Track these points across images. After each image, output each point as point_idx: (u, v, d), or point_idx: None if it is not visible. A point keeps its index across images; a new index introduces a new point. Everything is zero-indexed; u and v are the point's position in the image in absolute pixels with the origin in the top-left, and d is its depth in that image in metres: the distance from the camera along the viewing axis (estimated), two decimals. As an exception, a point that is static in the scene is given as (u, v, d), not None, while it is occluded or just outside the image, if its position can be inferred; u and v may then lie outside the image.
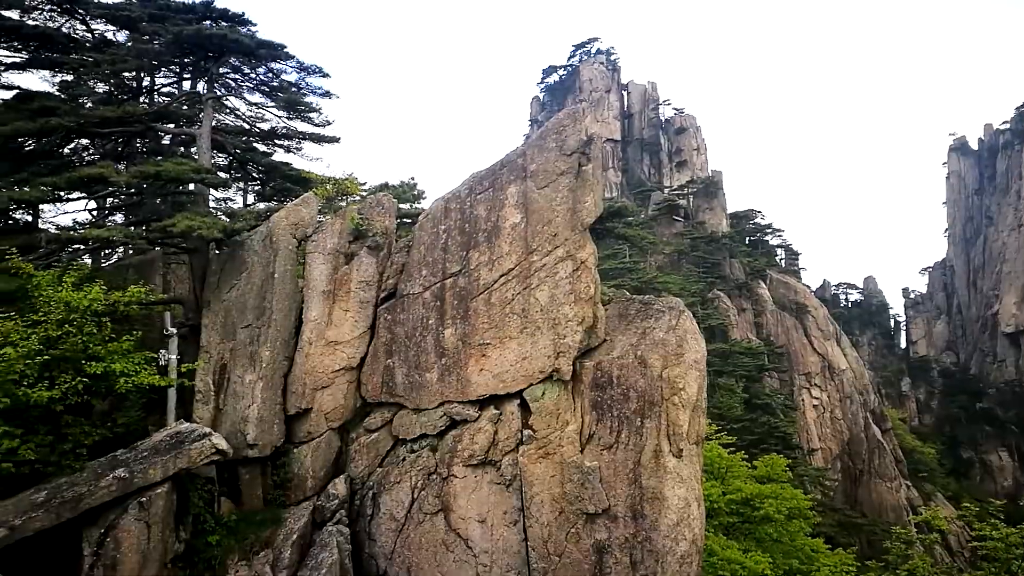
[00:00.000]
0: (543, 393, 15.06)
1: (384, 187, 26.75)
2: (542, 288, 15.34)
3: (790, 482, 30.17)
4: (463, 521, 15.41)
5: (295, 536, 15.62)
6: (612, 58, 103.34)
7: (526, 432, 15.11)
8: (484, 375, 15.78)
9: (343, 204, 22.81)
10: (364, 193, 25.59)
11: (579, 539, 14.15)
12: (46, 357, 14.93)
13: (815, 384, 68.75)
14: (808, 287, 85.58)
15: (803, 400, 67.29)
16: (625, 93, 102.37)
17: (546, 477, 14.65)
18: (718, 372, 56.13)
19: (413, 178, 28.75)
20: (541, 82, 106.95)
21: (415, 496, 16.06)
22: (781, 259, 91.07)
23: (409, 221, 24.31)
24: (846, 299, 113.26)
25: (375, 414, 17.40)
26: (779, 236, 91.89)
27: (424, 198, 29.28)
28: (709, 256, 76.05)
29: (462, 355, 16.15)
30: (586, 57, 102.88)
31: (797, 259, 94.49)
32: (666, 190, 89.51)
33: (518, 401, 15.47)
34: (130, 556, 13.84)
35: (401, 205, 23.17)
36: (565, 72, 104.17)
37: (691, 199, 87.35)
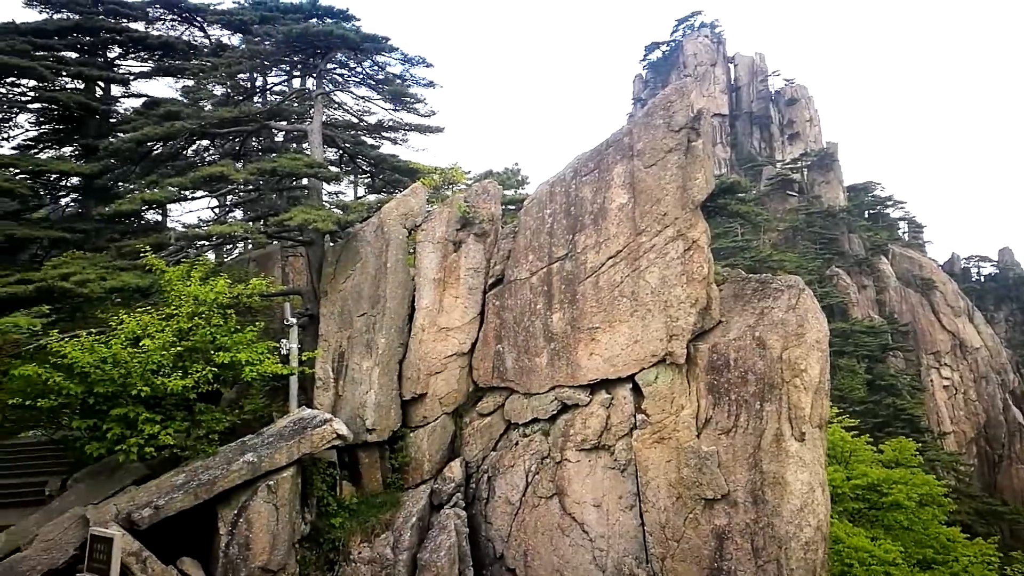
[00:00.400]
0: (656, 377, 14.74)
1: (488, 174, 26.91)
2: (652, 270, 14.99)
3: (920, 467, 28.56)
4: (578, 505, 15.34)
5: (414, 519, 15.98)
6: (716, 31, 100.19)
7: (639, 417, 14.85)
8: (594, 359, 15.61)
9: (449, 193, 23.10)
10: (469, 181, 25.81)
11: (698, 525, 13.81)
12: (179, 348, 15.84)
13: (945, 364, 64.88)
14: (934, 261, 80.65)
15: (932, 381, 63.65)
16: (731, 66, 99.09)
17: (661, 462, 14.37)
18: (838, 352, 53.78)
19: (517, 164, 28.79)
20: (643, 59, 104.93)
21: (529, 480, 16.10)
22: (904, 233, 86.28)
23: (514, 207, 24.35)
24: (978, 273, 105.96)
25: (487, 398, 17.56)
26: (901, 208, 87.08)
27: (528, 183, 29.31)
28: (826, 231, 72.83)
29: (571, 339, 16.03)
30: (689, 31, 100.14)
31: (921, 232, 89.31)
32: (778, 164, 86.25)
33: (630, 385, 15.22)
34: (261, 536, 14.51)
35: (506, 191, 23.26)
36: (668, 48, 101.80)
37: (805, 172, 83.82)
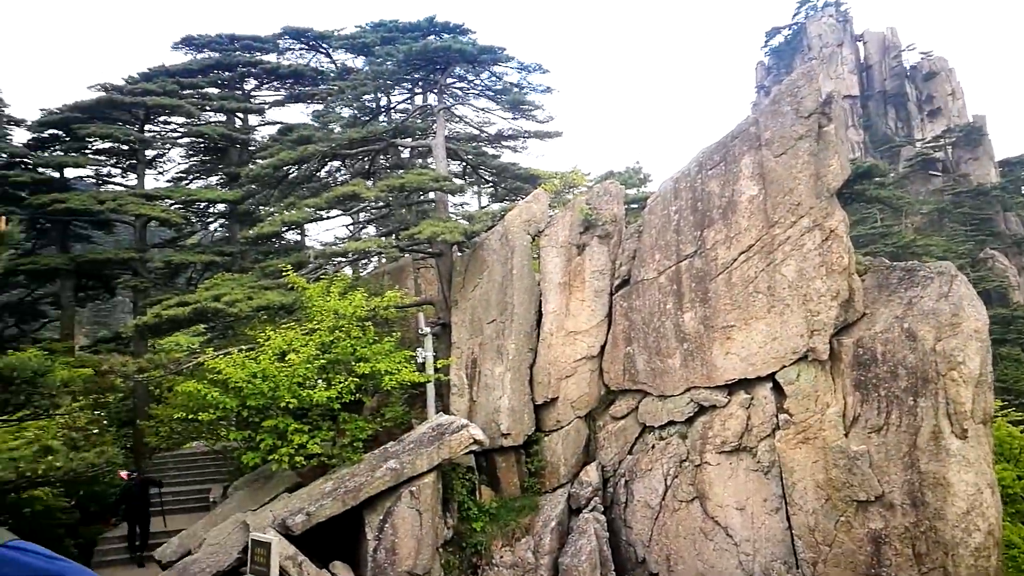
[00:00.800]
0: (798, 375, 14.12)
1: (609, 175, 26.71)
2: (788, 262, 14.39)
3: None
4: (720, 509, 14.91)
5: (553, 523, 16.02)
6: (842, 8, 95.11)
7: (782, 416, 14.27)
8: (730, 359, 15.14)
9: (571, 196, 23.08)
10: (590, 183, 25.70)
11: (851, 528, 13.11)
12: (322, 361, 16.63)
13: None
14: (1107, 236, 73.04)
15: (1111, 367, 57.62)
16: (860, 44, 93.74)
17: (808, 463, 13.73)
18: (999, 341, 49.59)
19: (638, 162, 28.50)
20: (764, 45, 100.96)
21: (668, 483, 15.81)
22: (1069, 207, 78.68)
23: (637, 206, 24.04)
24: None
25: (620, 401, 17.38)
26: (1065, 181, 79.46)
27: (650, 181, 28.89)
28: (977, 212, 67.51)
29: (704, 339, 15.62)
30: (812, 12, 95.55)
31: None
32: (918, 143, 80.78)
33: (770, 384, 14.66)
34: (406, 541, 14.96)
35: (628, 190, 22.97)
36: (790, 32, 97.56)
37: (949, 150, 78.12)
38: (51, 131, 28.73)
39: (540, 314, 18.49)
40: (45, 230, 29.20)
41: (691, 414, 15.78)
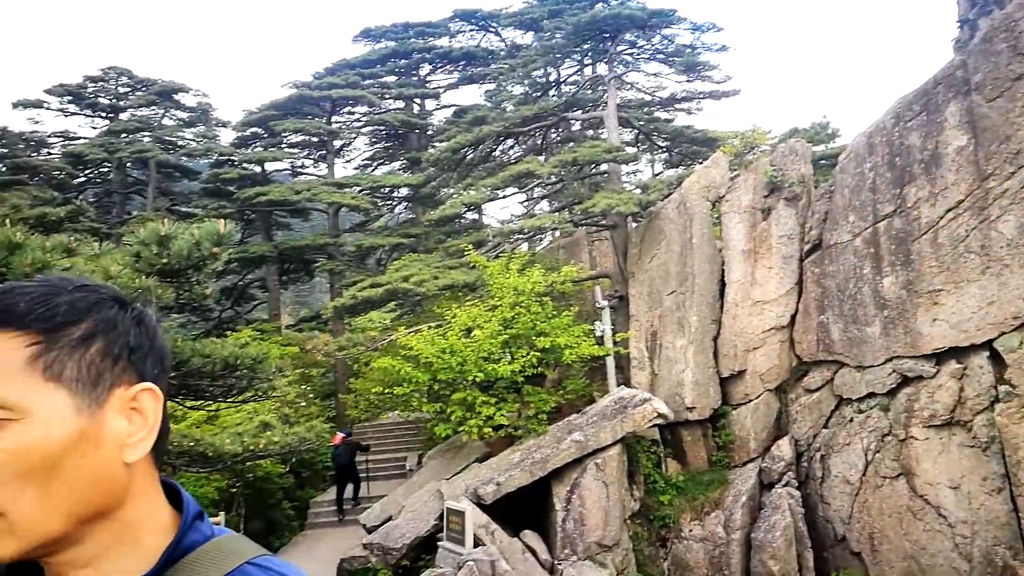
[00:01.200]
0: (1020, 343, 12.72)
1: (793, 133, 25.19)
2: (1006, 219, 12.94)
3: None
4: (930, 487, 13.82)
5: (744, 497, 15.59)
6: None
7: (1002, 388, 12.94)
8: (938, 326, 13.90)
9: (752, 158, 22.06)
10: (772, 142, 24.42)
11: (1089, 513, 11.73)
12: (505, 336, 17.07)
13: None
14: None
15: None
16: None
17: (1034, 439, 12.40)
18: None
19: (824, 117, 26.66)
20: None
21: (869, 459, 14.86)
22: None
23: (826, 163, 22.55)
24: None
25: (813, 373, 16.52)
26: None
27: (839, 137, 26.93)
28: None
29: (907, 305, 14.44)
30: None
31: None
32: None
33: (987, 353, 13.32)
34: (594, 512, 15.12)
35: (815, 148, 21.57)
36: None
37: None
38: (252, 129, 31.39)
39: (723, 284, 17.89)
40: (251, 220, 32.06)
41: (893, 385, 14.69)
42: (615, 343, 18.58)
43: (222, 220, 7.12)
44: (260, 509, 19.29)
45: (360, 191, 29.52)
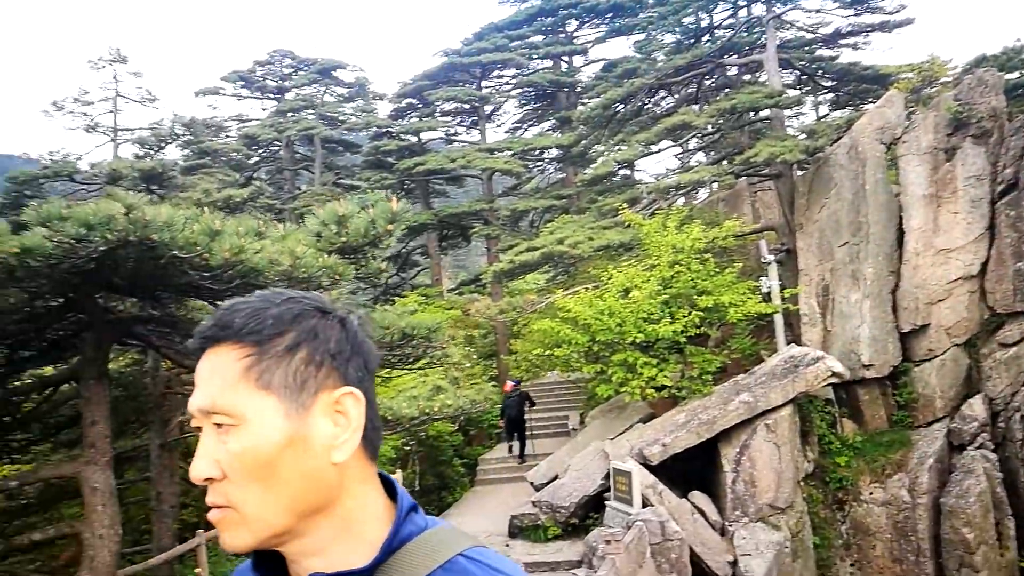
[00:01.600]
0: None
1: (981, 61, 22.64)
2: None
3: None
4: None
5: (930, 460, 14.58)
6: None
7: None
8: None
9: (931, 93, 20.13)
10: (955, 74, 22.15)
11: None
12: (665, 296, 16.72)
13: None
14: None
15: None
16: None
17: None
18: None
19: (1018, 40, 23.67)
20: None
21: (1080, 420, 13.45)
22: None
23: (1022, 93, 20.23)
24: None
25: (1009, 326, 15.07)
26: None
27: (1039, 60, 23.96)
28: None
29: None
30: None
31: None
32: None
33: None
34: (765, 473, 14.67)
35: (1007, 77, 19.32)
36: None
37: None
38: (407, 100, 32.33)
39: (901, 232, 16.60)
40: (411, 190, 33.16)
41: (1109, 338, 13.16)
42: (783, 299, 17.75)
43: (394, 198, 7.41)
44: (433, 466, 20.23)
45: (512, 155, 29.74)
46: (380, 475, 1.15)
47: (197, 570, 12.21)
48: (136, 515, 15.29)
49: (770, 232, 20.03)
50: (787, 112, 24.82)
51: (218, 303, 9.20)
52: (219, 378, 1.04)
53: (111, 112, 33.14)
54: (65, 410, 11.84)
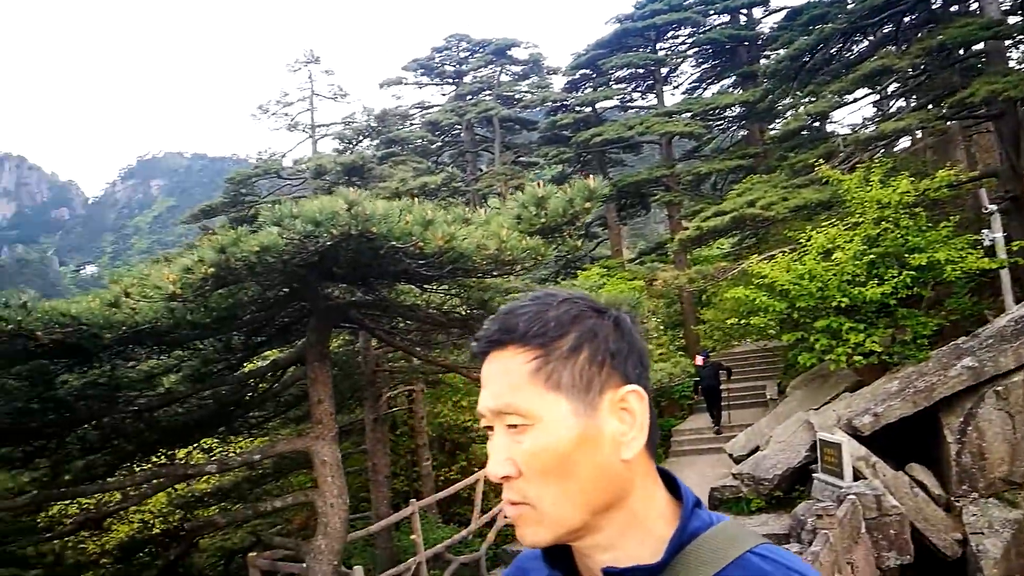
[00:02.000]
0: None
1: None
2: None
3: None
4: None
5: None
6: None
7: None
8: None
9: None
10: None
11: None
12: (870, 256, 15.60)
13: None
14: None
15: None
16: None
17: None
18: None
19: None
20: None
21: None
22: None
23: None
24: None
25: None
26: None
27: None
28: None
29: None
30: None
31: None
32: None
33: None
34: (996, 445, 13.40)
35: None
36: None
37: None
38: (581, 71, 32.19)
39: None
40: (587, 161, 33.10)
41: None
42: (1009, 253, 16.00)
43: (591, 176, 7.44)
44: (627, 438, 20.23)
45: (691, 116, 28.83)
46: (660, 470, 1.17)
47: (412, 536, 13.12)
48: (352, 483, 16.61)
49: (991, 179, 18.08)
50: (1008, 43, 22.18)
51: (426, 287, 9.74)
52: (508, 380, 1.08)
53: (308, 110, 35.68)
54: (293, 390, 13.01)
